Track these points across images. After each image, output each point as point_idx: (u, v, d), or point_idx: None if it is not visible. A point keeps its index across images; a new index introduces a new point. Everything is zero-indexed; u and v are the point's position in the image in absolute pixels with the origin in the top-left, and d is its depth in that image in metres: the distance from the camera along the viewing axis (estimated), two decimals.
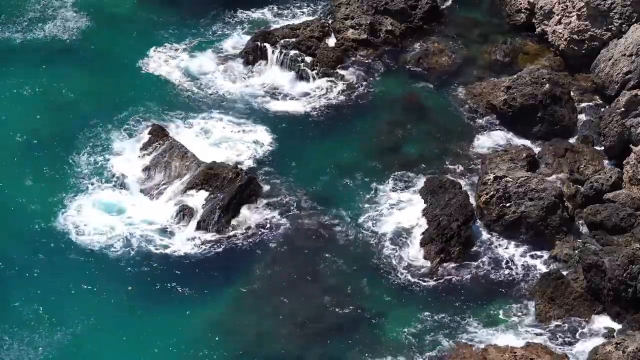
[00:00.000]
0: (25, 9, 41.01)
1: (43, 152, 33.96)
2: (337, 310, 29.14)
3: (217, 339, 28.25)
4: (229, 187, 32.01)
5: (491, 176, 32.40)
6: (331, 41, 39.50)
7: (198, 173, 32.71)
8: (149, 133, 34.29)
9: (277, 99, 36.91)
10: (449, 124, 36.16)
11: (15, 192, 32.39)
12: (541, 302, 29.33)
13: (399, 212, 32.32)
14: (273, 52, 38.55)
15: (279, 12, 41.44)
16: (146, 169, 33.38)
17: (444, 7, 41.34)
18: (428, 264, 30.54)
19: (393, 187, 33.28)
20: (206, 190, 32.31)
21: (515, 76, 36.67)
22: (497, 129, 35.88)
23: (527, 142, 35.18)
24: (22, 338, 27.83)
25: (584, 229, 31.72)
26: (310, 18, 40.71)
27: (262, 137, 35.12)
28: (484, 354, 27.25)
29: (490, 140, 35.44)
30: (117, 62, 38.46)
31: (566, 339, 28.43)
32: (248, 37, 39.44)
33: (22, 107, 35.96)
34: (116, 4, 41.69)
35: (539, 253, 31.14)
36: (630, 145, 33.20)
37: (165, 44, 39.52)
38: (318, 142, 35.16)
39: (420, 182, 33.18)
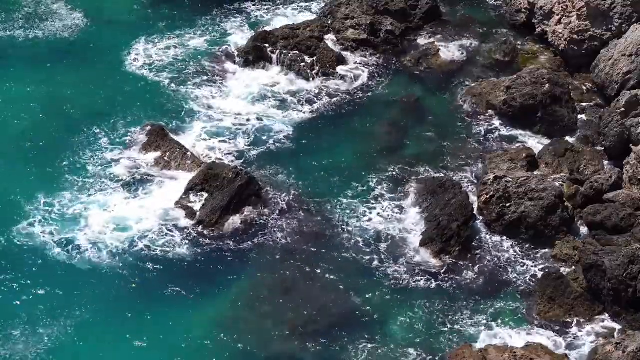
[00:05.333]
0: (20, 5, 40.97)
1: (40, 154, 33.81)
2: (336, 310, 29.11)
3: (216, 339, 28.20)
4: (229, 187, 32.00)
5: (491, 176, 32.41)
6: (331, 41, 39.53)
7: (198, 173, 32.71)
8: (149, 134, 34.27)
9: (277, 99, 36.90)
10: (449, 124, 36.17)
11: (11, 193, 32.33)
12: (541, 302, 29.33)
13: (399, 212, 32.32)
14: (273, 52, 38.61)
15: (278, 9, 41.77)
16: (146, 169, 33.36)
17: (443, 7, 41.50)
18: (428, 264, 30.54)
19: (393, 187, 33.26)
20: (206, 191, 32.30)
21: (515, 76, 36.71)
22: (497, 129, 35.88)
23: (527, 142, 35.20)
24: (21, 339, 27.85)
25: (584, 229, 31.73)
26: (311, 17, 40.91)
27: (261, 137, 35.11)
28: (484, 354, 27.22)
29: (490, 140, 35.44)
30: (114, 61, 38.46)
31: (566, 339, 28.41)
32: (248, 37, 39.50)
33: (18, 108, 35.82)
34: (113, 0, 41.84)
35: (539, 253, 31.15)
36: (630, 145, 33.20)
37: (164, 42, 39.59)
38: (318, 142, 35.15)
39: (420, 182, 33.16)
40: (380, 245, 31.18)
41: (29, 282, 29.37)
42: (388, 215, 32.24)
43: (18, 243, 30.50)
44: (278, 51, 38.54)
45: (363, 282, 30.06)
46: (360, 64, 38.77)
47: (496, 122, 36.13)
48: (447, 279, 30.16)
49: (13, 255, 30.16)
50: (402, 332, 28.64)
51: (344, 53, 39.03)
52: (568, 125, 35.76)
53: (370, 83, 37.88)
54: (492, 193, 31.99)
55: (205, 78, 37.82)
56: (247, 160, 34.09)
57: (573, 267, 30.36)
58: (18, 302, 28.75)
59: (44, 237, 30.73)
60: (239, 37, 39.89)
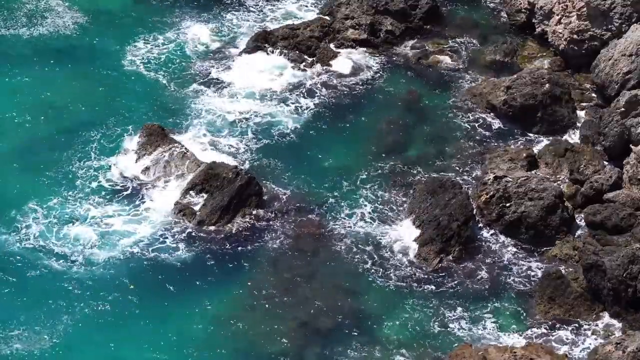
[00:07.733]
0: (18, 4, 40.93)
1: (35, 155, 33.68)
2: (336, 310, 29.11)
3: (216, 339, 28.22)
4: (229, 187, 31.99)
5: (491, 176, 32.41)
6: (331, 41, 39.53)
7: (198, 173, 32.70)
8: (148, 133, 34.20)
9: (277, 98, 36.88)
10: (449, 124, 36.16)
11: (9, 194, 32.28)
12: (541, 302, 29.33)
13: (399, 212, 32.32)
14: (273, 51, 38.60)
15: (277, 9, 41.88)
16: (145, 169, 33.35)
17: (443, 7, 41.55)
18: (427, 264, 30.53)
19: (392, 187, 33.26)
20: (206, 191, 32.29)
21: (515, 76, 36.70)
22: (497, 129, 35.88)
23: (527, 142, 35.19)
24: (22, 339, 27.85)
25: (584, 229, 31.72)
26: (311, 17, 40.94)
27: (261, 136, 35.10)
28: (484, 354, 27.21)
29: (490, 140, 35.43)
30: (112, 59, 38.36)
31: (566, 339, 28.41)
32: (249, 34, 39.50)
33: (14, 108, 35.71)
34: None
35: (539, 253, 31.14)
36: (630, 145, 33.20)
37: (162, 41, 39.49)
38: (318, 141, 35.14)
39: (420, 182, 33.15)
40: (380, 245, 31.16)
41: (27, 286, 29.36)
42: (387, 215, 32.23)
43: (15, 247, 30.51)
44: (278, 51, 38.54)
45: (362, 282, 30.06)
46: (360, 64, 38.74)
47: (496, 122, 36.13)
48: (446, 278, 30.15)
49: (10, 260, 30.14)
50: (402, 332, 28.63)
51: (344, 53, 39.01)
52: (568, 125, 35.77)
53: (370, 83, 37.85)
54: (492, 193, 31.99)
55: (205, 76, 37.77)
56: (247, 159, 34.07)
57: (573, 268, 30.38)
58: (15, 308, 28.75)
59: (39, 240, 30.71)
60: (240, 34, 39.87)
